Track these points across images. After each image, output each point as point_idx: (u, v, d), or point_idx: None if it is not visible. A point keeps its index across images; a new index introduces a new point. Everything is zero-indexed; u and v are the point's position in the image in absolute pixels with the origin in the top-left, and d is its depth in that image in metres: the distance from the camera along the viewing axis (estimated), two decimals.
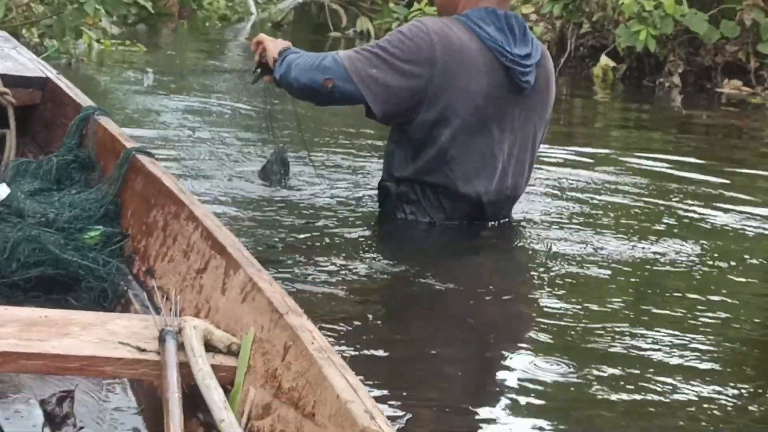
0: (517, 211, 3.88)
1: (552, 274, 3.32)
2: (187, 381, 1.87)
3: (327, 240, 3.52)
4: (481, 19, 3.53)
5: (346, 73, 3.47)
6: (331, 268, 3.24)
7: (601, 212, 4.12)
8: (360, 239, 3.58)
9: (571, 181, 4.61)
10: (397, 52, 3.46)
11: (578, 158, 5.20)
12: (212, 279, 2.26)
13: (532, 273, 3.38)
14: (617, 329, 2.89)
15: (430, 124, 3.51)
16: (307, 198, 4.00)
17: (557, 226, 3.84)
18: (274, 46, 3.72)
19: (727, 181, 4.89)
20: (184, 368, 1.88)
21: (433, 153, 3.53)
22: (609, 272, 3.37)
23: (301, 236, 3.56)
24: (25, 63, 3.87)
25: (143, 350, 1.95)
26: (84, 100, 3.50)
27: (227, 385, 1.92)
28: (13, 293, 2.53)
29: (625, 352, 2.74)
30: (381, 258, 3.39)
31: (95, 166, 3.15)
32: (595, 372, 2.59)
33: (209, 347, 2.00)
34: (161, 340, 1.95)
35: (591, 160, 5.18)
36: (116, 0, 7.09)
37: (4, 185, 2.80)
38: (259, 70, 3.81)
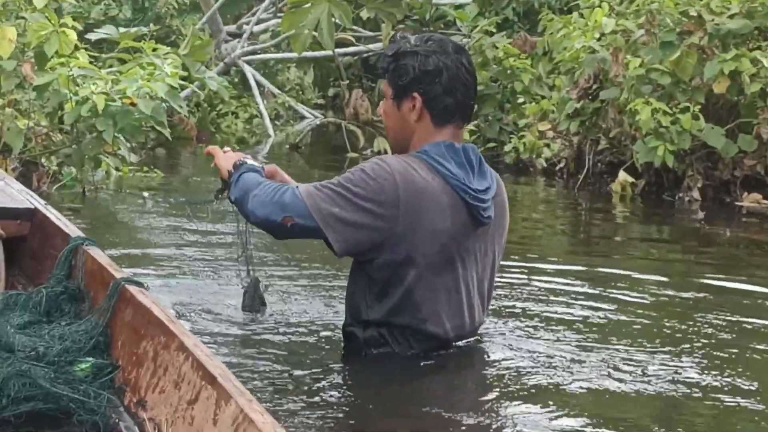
0: (529, 326, 3.89)
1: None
2: None
3: (314, 367, 3.50)
4: (441, 155, 3.48)
5: (306, 210, 3.40)
6: (322, 396, 3.22)
7: (612, 329, 4.09)
8: (347, 369, 3.54)
9: (589, 299, 4.59)
10: (360, 191, 3.39)
11: (596, 276, 5.19)
12: (203, 410, 2.27)
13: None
14: None
15: (395, 265, 3.44)
16: (284, 322, 3.98)
17: (568, 345, 3.82)
18: (224, 162, 3.66)
19: (750, 294, 4.86)
20: None
21: (400, 294, 3.46)
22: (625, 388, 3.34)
23: (286, 363, 3.53)
24: (12, 194, 3.92)
25: None
26: (72, 231, 3.53)
27: None
28: (4, 430, 2.54)
29: None
30: (367, 387, 3.36)
31: (85, 297, 3.17)
32: None
33: None
34: None
35: (608, 278, 5.16)
36: (135, 127, 7.17)
37: None
38: (223, 189, 3.71)
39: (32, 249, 3.77)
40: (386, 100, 3.59)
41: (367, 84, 14.45)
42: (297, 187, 3.49)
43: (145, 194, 7.41)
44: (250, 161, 3.68)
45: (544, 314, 4.26)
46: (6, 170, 6.75)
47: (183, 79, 7.41)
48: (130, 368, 2.73)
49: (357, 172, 3.44)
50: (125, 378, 2.74)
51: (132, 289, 2.87)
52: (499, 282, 4.61)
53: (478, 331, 3.69)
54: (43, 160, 7.60)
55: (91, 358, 2.79)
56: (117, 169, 7.85)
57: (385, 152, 10.40)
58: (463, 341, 3.59)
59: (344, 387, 3.34)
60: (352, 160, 10.29)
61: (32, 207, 3.82)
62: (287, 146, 11.46)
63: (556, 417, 3.13)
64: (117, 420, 2.57)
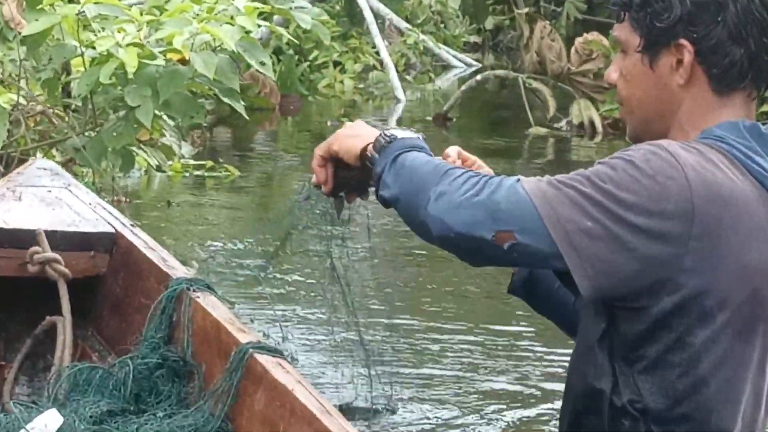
0: None
1: None
2: None
3: None
4: (746, 143, 3.34)
5: (539, 222, 3.20)
6: None
7: None
8: None
9: None
10: (629, 198, 3.20)
11: None
12: None
13: None
14: None
15: (676, 320, 3.23)
16: None
17: None
18: (353, 134, 3.49)
19: None
20: None
21: (680, 368, 3.25)
22: None
23: None
24: (81, 211, 3.84)
25: None
26: (173, 267, 3.54)
27: None
28: None
29: None
30: None
31: (193, 372, 3.27)
32: None
33: None
34: None
35: None
36: (187, 100, 7.02)
37: (54, 411, 2.94)
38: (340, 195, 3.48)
39: (113, 295, 3.76)
40: (624, 54, 3.46)
41: (548, 9, 14.43)
42: (520, 181, 3.22)
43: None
44: (402, 133, 3.43)
45: None
46: None
47: (260, 15, 6.83)
48: None
49: (621, 163, 3.21)
50: None
51: (264, 359, 2.95)
52: None
53: None
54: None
55: None
56: (159, 168, 7.82)
57: (593, 126, 10.31)
58: None
59: None
60: (534, 141, 10.29)
61: (112, 231, 3.79)
62: (430, 117, 11.46)
63: None
64: None
